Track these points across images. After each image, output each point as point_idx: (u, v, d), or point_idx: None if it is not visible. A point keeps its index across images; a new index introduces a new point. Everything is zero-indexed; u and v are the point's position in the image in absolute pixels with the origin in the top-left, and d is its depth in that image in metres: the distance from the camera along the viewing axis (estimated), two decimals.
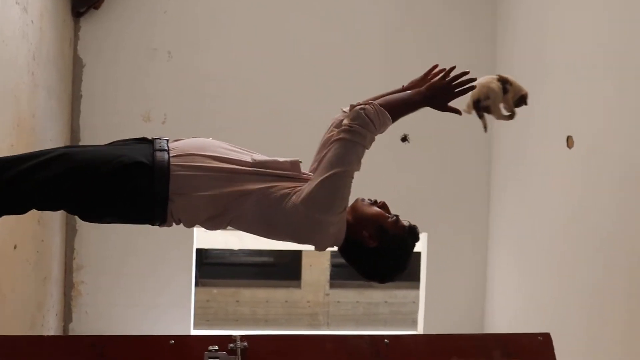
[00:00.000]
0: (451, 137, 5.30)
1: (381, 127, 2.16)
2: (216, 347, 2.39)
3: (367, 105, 2.15)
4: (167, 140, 2.22)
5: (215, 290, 10.59)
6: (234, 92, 5.12)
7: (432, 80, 2.31)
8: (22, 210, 2.17)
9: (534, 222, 4.55)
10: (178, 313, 5.16)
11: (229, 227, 2.24)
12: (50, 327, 4.65)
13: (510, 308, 4.94)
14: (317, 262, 10.57)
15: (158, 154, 2.12)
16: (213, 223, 2.20)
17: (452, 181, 5.35)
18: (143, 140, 2.25)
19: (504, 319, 5.00)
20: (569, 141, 4.07)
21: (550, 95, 4.32)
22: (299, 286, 10.71)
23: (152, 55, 5.10)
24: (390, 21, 5.32)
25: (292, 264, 10.84)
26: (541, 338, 2.58)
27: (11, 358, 2.30)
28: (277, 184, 2.15)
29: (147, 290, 5.14)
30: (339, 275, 11.02)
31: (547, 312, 4.29)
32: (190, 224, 2.20)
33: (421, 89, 2.29)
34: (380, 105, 2.17)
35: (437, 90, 2.26)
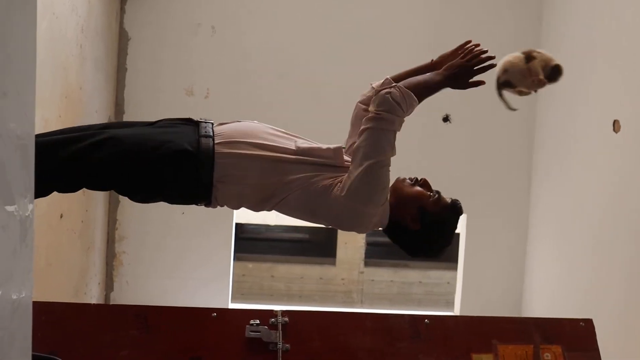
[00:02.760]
0: (494, 117, 5.23)
1: (408, 109, 2.13)
2: (257, 321, 2.41)
3: (392, 89, 2.12)
4: (212, 124, 2.24)
5: (250, 265, 10.65)
6: (275, 68, 5.12)
7: (451, 61, 2.25)
8: (74, 189, 2.21)
9: (575, 206, 4.49)
10: (216, 286, 5.22)
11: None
12: (93, 295, 4.74)
13: (548, 292, 4.89)
14: (353, 240, 10.56)
15: (203, 140, 2.15)
16: (257, 208, 2.23)
17: (493, 163, 5.30)
18: (189, 121, 2.27)
19: (542, 303, 4.96)
20: (616, 125, 3.98)
21: (598, 78, 4.23)
22: (333, 263, 10.71)
23: (196, 30, 5.12)
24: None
25: (328, 241, 10.86)
26: (583, 324, 2.54)
27: (58, 324, 2.35)
28: (320, 174, 2.16)
29: (186, 262, 5.21)
30: (374, 254, 11.00)
31: (585, 297, 4.24)
32: (234, 208, 2.24)
33: (441, 70, 2.24)
34: (406, 87, 2.13)
35: (456, 70, 2.21)
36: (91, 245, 4.64)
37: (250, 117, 2.43)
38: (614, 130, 4.00)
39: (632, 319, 3.70)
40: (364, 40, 5.19)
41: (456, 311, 5.44)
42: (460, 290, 5.37)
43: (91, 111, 4.32)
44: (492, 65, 2.24)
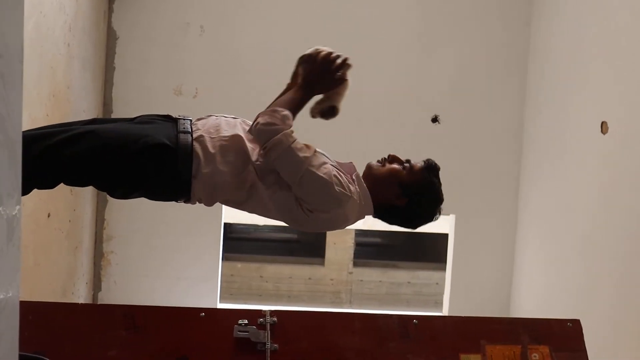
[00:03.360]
0: (482, 118, 5.26)
1: (285, 121, 2.15)
2: (246, 321, 2.40)
3: (257, 119, 2.16)
4: (191, 121, 2.26)
5: (239, 265, 10.64)
6: (265, 68, 5.10)
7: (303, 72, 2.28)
8: (51, 185, 2.20)
9: (563, 207, 4.51)
10: (204, 286, 5.21)
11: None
12: (80, 295, 4.72)
13: (536, 292, 4.91)
14: (341, 240, 10.58)
15: (182, 136, 2.17)
16: (234, 204, 2.27)
17: (482, 163, 5.32)
18: (168, 118, 2.30)
19: (530, 303, 4.98)
20: (604, 127, 4.01)
21: (586, 80, 4.25)
22: (322, 264, 10.73)
23: (185, 29, 5.11)
24: (425, 2, 5.26)
25: (317, 241, 10.87)
26: (571, 324, 2.55)
27: (45, 324, 2.34)
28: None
29: (175, 262, 5.19)
30: (363, 254, 11.02)
31: (574, 297, 4.26)
32: (210, 202, 2.25)
33: (299, 82, 2.28)
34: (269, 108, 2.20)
35: (312, 77, 2.25)
36: (79, 245, 4.62)
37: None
38: (601, 131, 4.02)
39: (620, 319, 3.72)
40: (356, 40, 5.18)
41: (445, 311, 5.46)
42: (449, 291, 5.39)
43: (79, 110, 4.30)
44: (346, 62, 2.30)
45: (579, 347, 2.51)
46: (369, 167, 2.33)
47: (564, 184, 4.53)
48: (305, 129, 2.44)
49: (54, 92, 3.72)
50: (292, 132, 2.15)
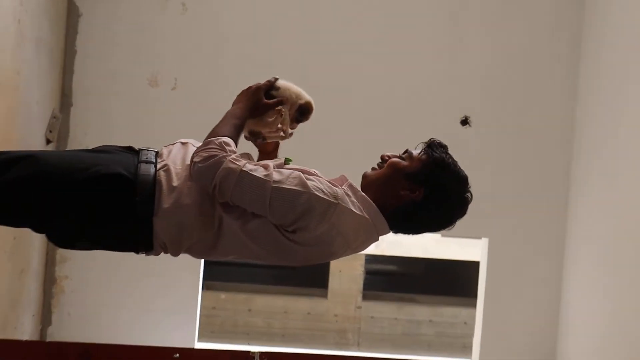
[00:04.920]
0: (522, 120, 5.24)
1: (225, 147, 2.19)
2: None
3: (194, 157, 2.19)
4: (157, 153, 2.29)
5: (223, 296, 10.66)
6: (257, 54, 5.08)
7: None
8: None
9: (622, 229, 4.48)
10: (179, 320, 5.17)
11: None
12: (25, 331, 4.69)
13: (589, 337, 4.88)
14: (348, 267, 10.59)
15: (143, 166, 2.20)
16: (204, 249, 2.26)
17: (521, 175, 5.28)
18: (129, 149, 2.33)
19: (582, 349, 4.95)
20: None
21: None
22: (325, 295, 10.74)
23: (162, 6, 5.10)
24: None
25: (318, 268, 10.85)
26: None
27: None
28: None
29: (144, 290, 5.16)
30: (375, 285, 11.02)
31: (636, 345, 4.22)
32: (175, 251, 2.25)
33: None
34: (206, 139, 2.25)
35: (247, 96, 2.45)
36: (25, 268, 4.59)
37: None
38: None
39: None
40: (360, 24, 5.18)
41: (474, 358, 5.42)
42: (480, 333, 5.35)
43: (30, 102, 4.29)
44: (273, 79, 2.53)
45: None
46: (364, 177, 2.35)
47: (622, 202, 4.50)
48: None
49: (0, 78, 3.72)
50: (237, 156, 2.18)
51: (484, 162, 5.18)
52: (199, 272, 5.23)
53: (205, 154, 2.15)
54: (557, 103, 5.26)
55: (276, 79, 2.52)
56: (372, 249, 9.82)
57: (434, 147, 2.35)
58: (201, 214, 2.17)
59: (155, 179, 2.16)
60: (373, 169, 2.35)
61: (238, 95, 2.47)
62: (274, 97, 2.47)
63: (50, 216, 2.13)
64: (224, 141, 2.18)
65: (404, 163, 2.31)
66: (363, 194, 2.25)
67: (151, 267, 5.12)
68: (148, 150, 2.28)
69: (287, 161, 2.31)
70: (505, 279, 5.29)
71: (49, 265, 5.11)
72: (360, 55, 5.12)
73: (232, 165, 2.12)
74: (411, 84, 5.19)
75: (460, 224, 2.44)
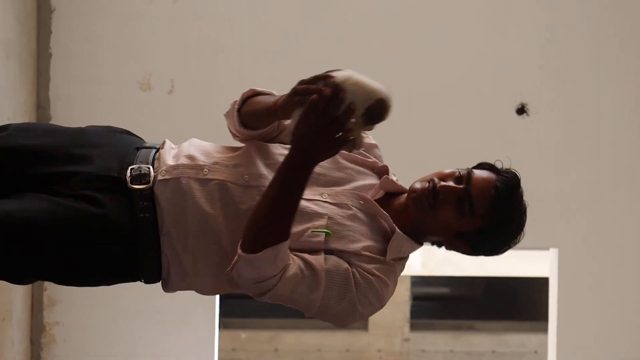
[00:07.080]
0: (591, 107, 5.18)
1: (279, 264, 2.08)
2: None
3: (237, 264, 2.08)
4: (157, 149, 2.35)
5: (244, 335, 10.69)
6: (264, 49, 5.09)
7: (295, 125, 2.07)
8: None
9: None
10: None
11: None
12: None
13: None
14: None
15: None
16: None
17: (594, 173, 5.22)
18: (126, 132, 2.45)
19: None
20: None
21: None
22: (365, 328, 10.74)
23: None
24: None
25: None
26: None
27: None
28: None
29: (149, 334, 5.17)
30: (424, 312, 10.98)
31: None
32: (198, 286, 2.32)
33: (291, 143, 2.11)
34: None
35: (307, 139, 2.04)
36: (7, 315, 4.58)
37: None
38: None
39: None
40: (377, 12, 5.16)
41: None
42: None
43: (0, 116, 4.27)
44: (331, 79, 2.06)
45: None
46: (407, 207, 2.33)
47: None
48: None
49: None
50: (288, 271, 2.12)
51: (547, 158, 5.15)
52: (214, 310, 5.22)
53: (254, 275, 2.09)
54: (633, 85, 5.19)
55: (332, 78, 2.05)
56: (419, 269, 9.77)
57: (501, 200, 2.32)
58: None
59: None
60: (425, 184, 2.28)
61: (296, 126, 2.05)
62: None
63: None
64: (278, 257, 2.07)
65: (459, 222, 2.28)
66: (387, 216, 2.29)
67: (158, 305, 5.11)
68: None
69: (327, 235, 2.22)
70: (580, 296, 5.23)
71: (36, 310, 5.11)
72: (375, 42, 5.09)
73: (281, 291, 2.13)
74: (459, 70, 5.16)
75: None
